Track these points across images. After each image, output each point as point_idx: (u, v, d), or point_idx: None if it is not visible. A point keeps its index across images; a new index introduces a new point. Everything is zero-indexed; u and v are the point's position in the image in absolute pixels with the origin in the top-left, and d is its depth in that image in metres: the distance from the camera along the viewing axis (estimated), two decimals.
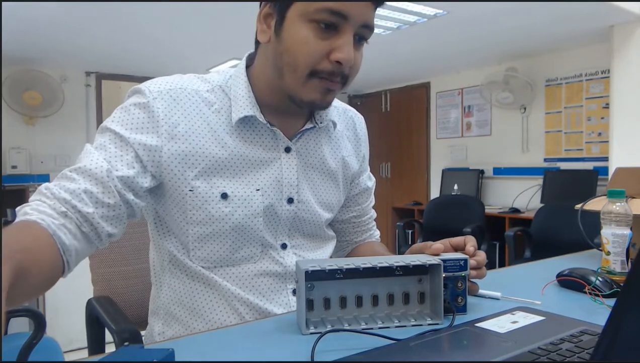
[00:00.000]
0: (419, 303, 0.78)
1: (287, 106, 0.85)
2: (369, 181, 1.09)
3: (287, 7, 0.77)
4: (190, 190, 0.83)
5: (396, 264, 0.74)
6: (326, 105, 0.85)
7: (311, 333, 0.70)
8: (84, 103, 4.41)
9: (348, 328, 0.70)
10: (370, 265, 0.73)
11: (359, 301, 0.77)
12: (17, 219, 0.66)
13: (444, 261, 0.76)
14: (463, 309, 0.78)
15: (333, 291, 0.76)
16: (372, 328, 0.72)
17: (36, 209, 0.67)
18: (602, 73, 3.80)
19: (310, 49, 0.76)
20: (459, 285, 0.77)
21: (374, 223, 1.15)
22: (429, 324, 0.74)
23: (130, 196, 0.78)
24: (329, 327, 0.71)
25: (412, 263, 0.74)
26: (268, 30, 0.81)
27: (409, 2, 2.81)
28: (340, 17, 0.75)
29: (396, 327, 0.73)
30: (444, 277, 0.75)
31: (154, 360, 0.54)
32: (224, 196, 0.84)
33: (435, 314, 0.76)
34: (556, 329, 0.68)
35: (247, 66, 0.90)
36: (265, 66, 0.85)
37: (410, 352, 0.62)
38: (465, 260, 0.78)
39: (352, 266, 0.72)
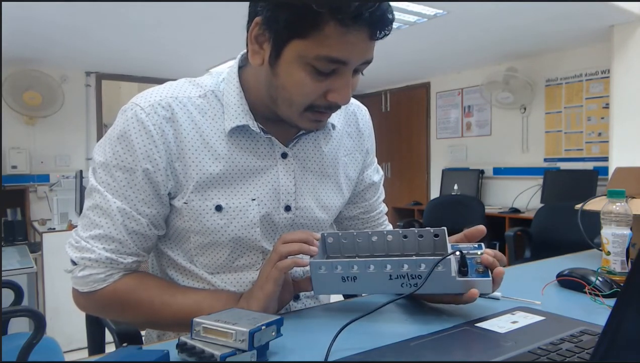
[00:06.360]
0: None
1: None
2: (375, 175, 1.04)
3: (284, 43, 0.72)
4: (184, 203, 0.81)
5: (403, 232, 0.79)
6: (321, 128, 0.87)
7: (317, 262, 0.75)
8: (84, 103, 4.42)
9: (361, 315, 0.67)
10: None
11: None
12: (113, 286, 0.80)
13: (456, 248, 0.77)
14: (486, 274, 0.74)
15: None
16: (381, 304, 0.73)
17: (108, 281, 0.80)
18: (602, 73, 3.80)
19: (307, 90, 0.74)
20: (477, 260, 0.75)
21: (385, 217, 1.10)
22: (437, 253, 0.74)
23: (161, 222, 0.85)
24: (339, 270, 0.75)
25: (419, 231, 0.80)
26: (261, 51, 0.76)
27: (409, 2, 2.81)
28: (340, 63, 0.72)
29: (409, 269, 0.73)
30: (460, 256, 0.74)
31: (149, 361, 0.54)
32: (219, 208, 0.81)
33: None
34: (556, 329, 0.68)
35: (241, 66, 0.86)
36: (258, 83, 0.81)
37: (410, 352, 0.63)
38: (480, 245, 0.78)
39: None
